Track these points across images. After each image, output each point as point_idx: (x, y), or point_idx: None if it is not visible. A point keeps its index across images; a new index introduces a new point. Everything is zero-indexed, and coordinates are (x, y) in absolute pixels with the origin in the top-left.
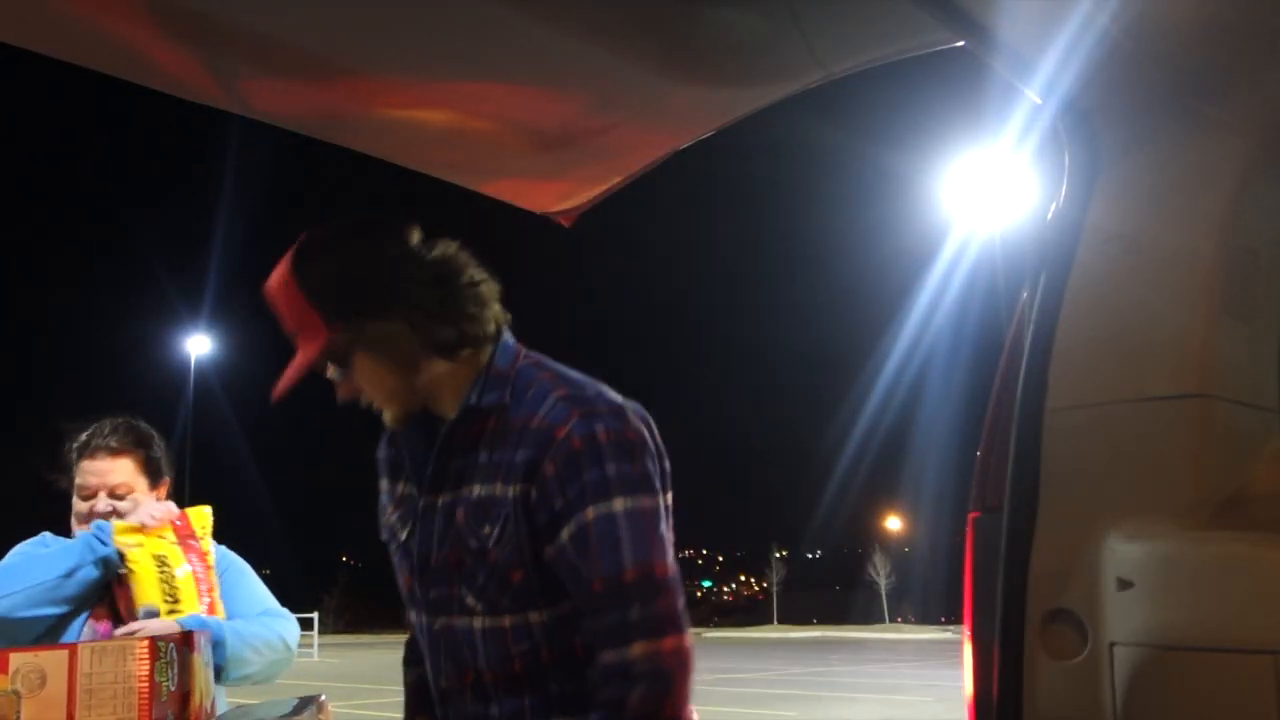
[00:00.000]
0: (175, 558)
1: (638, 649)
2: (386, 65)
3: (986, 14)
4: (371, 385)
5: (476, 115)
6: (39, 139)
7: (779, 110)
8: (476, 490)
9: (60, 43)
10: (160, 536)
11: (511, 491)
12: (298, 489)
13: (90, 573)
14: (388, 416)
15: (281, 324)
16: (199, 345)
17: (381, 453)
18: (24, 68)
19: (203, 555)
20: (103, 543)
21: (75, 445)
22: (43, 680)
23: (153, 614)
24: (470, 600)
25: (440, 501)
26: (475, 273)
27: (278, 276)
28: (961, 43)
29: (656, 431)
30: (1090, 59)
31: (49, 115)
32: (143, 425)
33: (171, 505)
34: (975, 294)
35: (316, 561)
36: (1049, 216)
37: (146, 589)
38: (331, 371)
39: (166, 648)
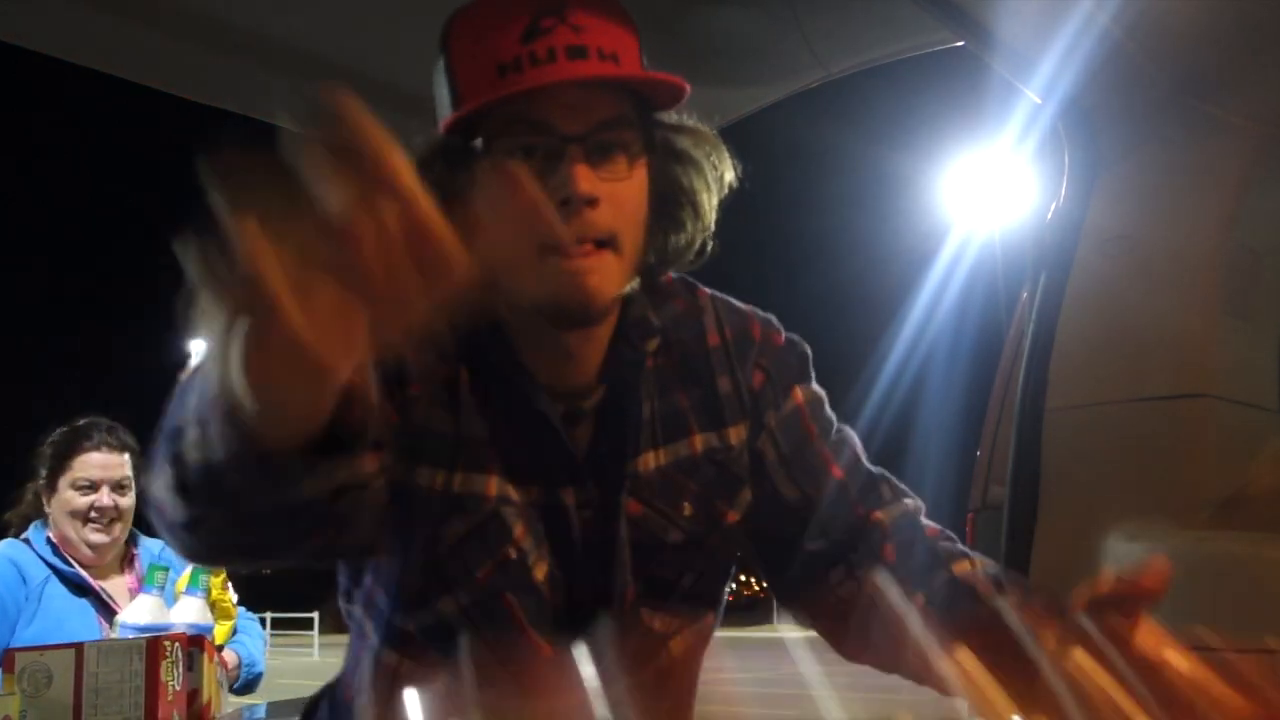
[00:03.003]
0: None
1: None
2: (387, 62)
3: (986, 14)
4: (628, 220)
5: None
6: (40, 138)
7: (779, 109)
8: (652, 461)
9: (61, 40)
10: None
11: (734, 436)
12: None
13: None
14: (586, 286)
15: (568, 15)
16: (199, 345)
17: None
18: (23, 68)
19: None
20: None
21: (62, 440)
22: (49, 680)
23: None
24: (660, 624)
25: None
26: None
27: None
28: (961, 42)
29: None
30: (1091, 59)
31: (49, 114)
32: (123, 426)
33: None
34: (975, 294)
35: None
36: (1049, 216)
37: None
38: (588, 173)
39: (173, 647)
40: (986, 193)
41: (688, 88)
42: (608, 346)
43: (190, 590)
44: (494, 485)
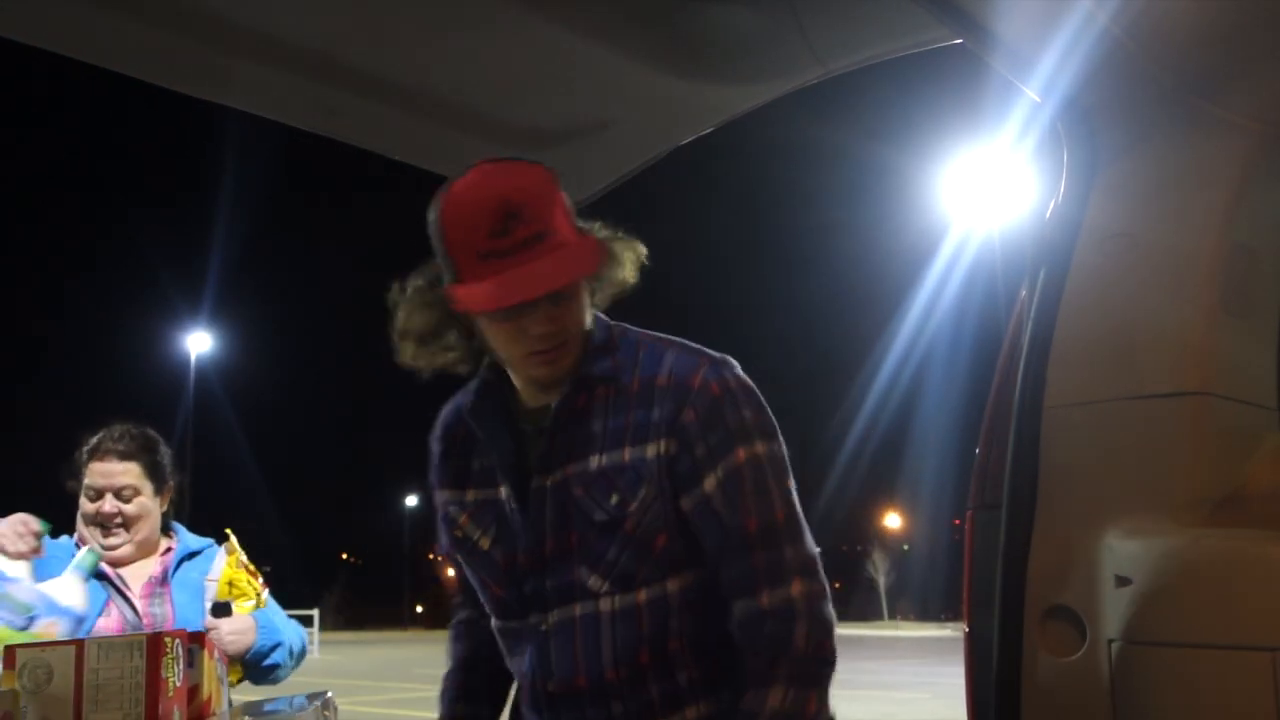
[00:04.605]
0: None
1: (797, 587)
2: (386, 61)
3: (985, 12)
4: (576, 325)
5: (476, 111)
6: (38, 137)
7: (778, 107)
8: (595, 461)
9: (61, 39)
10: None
11: (649, 452)
12: (298, 487)
13: None
14: (548, 374)
15: (520, 214)
16: (199, 343)
17: (437, 463)
18: (22, 66)
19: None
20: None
21: (86, 449)
22: (50, 676)
23: (223, 608)
24: (594, 582)
25: (549, 484)
26: None
27: (532, 173)
28: (960, 40)
29: None
30: (1090, 57)
31: (48, 114)
32: (150, 431)
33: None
34: (974, 292)
35: (316, 559)
36: (1048, 214)
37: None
38: (552, 315)
39: (173, 644)
40: (985, 191)
41: (607, 257)
42: (564, 391)
43: (77, 568)
44: (471, 493)
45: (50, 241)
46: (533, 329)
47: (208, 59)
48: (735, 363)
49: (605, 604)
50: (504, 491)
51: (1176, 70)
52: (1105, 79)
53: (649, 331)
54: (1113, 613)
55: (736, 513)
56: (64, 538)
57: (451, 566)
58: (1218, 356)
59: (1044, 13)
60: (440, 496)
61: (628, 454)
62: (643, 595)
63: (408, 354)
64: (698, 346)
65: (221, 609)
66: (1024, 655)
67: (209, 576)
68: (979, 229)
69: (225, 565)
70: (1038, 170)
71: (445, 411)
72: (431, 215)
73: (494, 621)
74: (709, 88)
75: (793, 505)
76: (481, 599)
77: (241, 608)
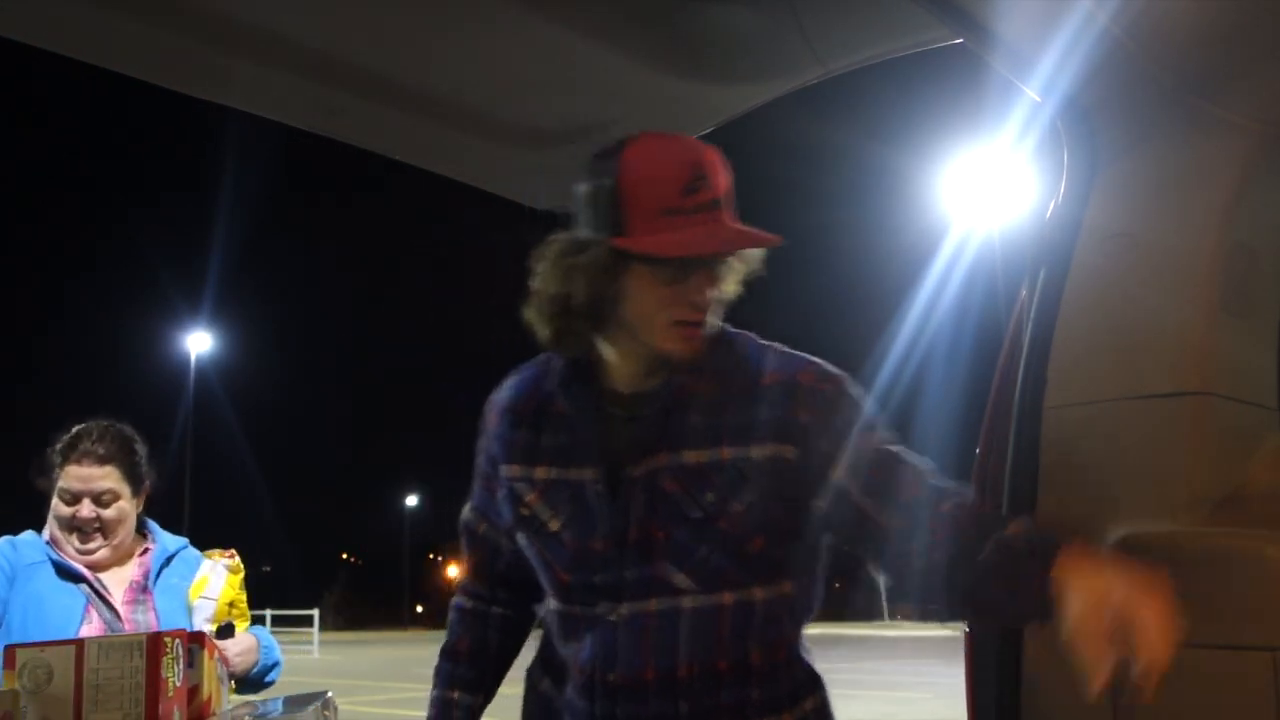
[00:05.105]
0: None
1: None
2: (386, 60)
3: (985, 12)
4: (719, 306)
5: (476, 111)
6: (37, 137)
7: (778, 107)
8: (692, 456)
9: (61, 39)
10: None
11: (754, 453)
12: (298, 487)
13: None
14: (684, 349)
15: (708, 178)
16: (199, 343)
17: (503, 434)
18: (21, 65)
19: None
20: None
21: (59, 448)
22: (50, 676)
23: (228, 629)
24: (680, 579)
25: (639, 473)
26: None
27: (714, 154)
28: (960, 40)
29: None
30: (1090, 57)
31: (48, 114)
32: (126, 429)
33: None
34: (974, 292)
35: (316, 559)
36: (1048, 214)
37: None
38: (711, 287)
39: (173, 644)
40: (985, 191)
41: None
42: (670, 377)
43: None
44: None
45: (50, 241)
46: (693, 294)
47: (208, 59)
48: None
49: (687, 601)
50: (586, 474)
51: (1177, 70)
52: (1105, 79)
53: (745, 332)
54: None
55: (894, 487)
56: (28, 533)
57: (466, 548)
58: (1218, 356)
59: (1044, 12)
60: (505, 470)
61: (727, 452)
62: (728, 598)
63: (531, 314)
64: (794, 351)
65: (225, 631)
66: (1025, 656)
67: (208, 595)
68: (979, 229)
69: (226, 585)
70: (1038, 170)
71: (515, 381)
72: (601, 173)
73: (551, 603)
74: (709, 88)
75: (919, 461)
76: (542, 580)
77: (239, 626)
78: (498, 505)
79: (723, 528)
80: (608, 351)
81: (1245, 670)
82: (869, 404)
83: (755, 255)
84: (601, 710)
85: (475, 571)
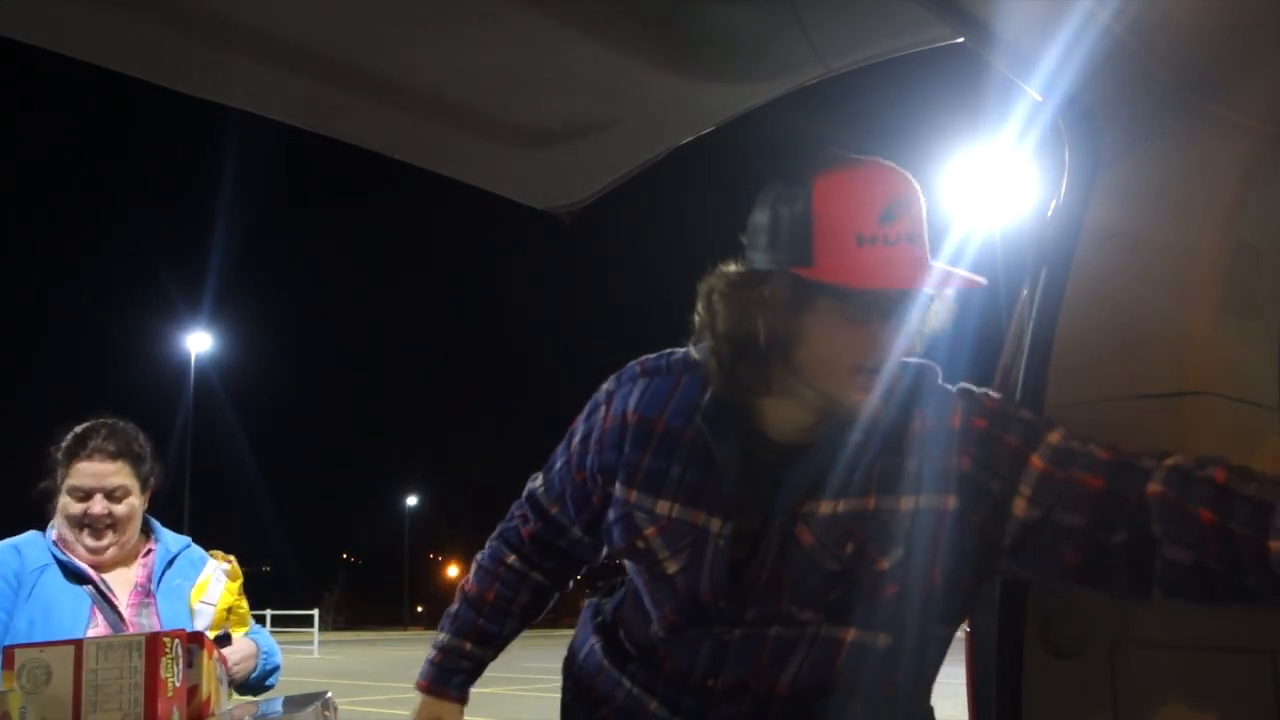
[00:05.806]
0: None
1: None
2: (386, 59)
3: (986, 11)
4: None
5: (476, 109)
6: (37, 136)
7: (778, 106)
8: (827, 508)
9: (61, 38)
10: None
11: (903, 504)
12: (298, 487)
13: None
14: (860, 401)
15: (908, 208)
16: (199, 342)
17: (628, 451)
18: (21, 64)
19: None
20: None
21: (66, 446)
22: (48, 676)
23: (225, 638)
24: (807, 615)
25: (778, 524)
26: None
27: (912, 182)
28: (962, 39)
29: None
30: (1092, 56)
31: (48, 113)
32: (130, 425)
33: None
34: (974, 292)
35: (316, 559)
36: (1049, 214)
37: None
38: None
39: (172, 644)
40: (986, 190)
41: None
42: (833, 428)
43: None
44: (670, 508)
45: (51, 241)
46: (881, 338)
47: (208, 58)
48: (973, 387)
49: (809, 630)
50: (714, 524)
51: (1179, 69)
52: (1107, 78)
53: (925, 361)
54: (1115, 615)
55: (1074, 500)
56: (31, 533)
57: (529, 516)
58: (1220, 356)
59: (1045, 11)
60: (622, 492)
61: (873, 502)
62: (851, 634)
63: (707, 358)
64: (921, 373)
65: (223, 640)
66: (1026, 657)
67: (207, 600)
68: (980, 228)
69: (225, 591)
70: (1039, 169)
71: (648, 384)
72: (793, 198)
73: (656, 625)
74: (709, 87)
75: (1080, 442)
76: (647, 605)
77: (239, 630)
78: (590, 510)
79: (857, 575)
80: (768, 397)
81: (1245, 672)
82: (1024, 412)
83: (947, 308)
84: (688, 706)
85: (532, 537)
